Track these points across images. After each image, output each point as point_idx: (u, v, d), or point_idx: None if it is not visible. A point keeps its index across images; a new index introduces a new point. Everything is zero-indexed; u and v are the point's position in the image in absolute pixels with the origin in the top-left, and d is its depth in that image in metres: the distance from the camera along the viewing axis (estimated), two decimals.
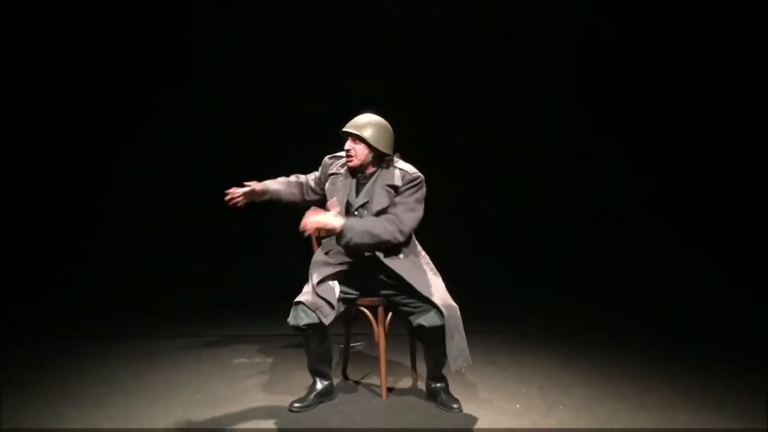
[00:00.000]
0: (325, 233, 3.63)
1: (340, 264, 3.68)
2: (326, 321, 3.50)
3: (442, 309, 3.49)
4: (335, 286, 3.61)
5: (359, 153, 3.66)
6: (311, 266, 3.73)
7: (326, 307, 3.50)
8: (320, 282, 3.58)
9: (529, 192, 6.88)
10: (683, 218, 6.58)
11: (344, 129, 3.69)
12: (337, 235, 3.54)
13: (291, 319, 3.51)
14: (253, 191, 3.79)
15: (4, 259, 6.33)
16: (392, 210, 3.61)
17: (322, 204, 3.75)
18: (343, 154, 3.75)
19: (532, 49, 6.75)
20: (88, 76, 6.65)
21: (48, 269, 6.50)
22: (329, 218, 3.53)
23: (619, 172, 6.83)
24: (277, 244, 6.13)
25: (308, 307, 3.48)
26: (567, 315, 5.78)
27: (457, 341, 3.50)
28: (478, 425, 3.44)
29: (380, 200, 3.63)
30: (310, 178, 3.94)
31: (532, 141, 6.80)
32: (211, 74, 6.82)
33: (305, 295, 3.55)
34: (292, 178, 3.98)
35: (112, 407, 3.68)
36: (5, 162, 6.51)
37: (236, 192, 3.77)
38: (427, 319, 3.50)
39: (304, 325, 3.48)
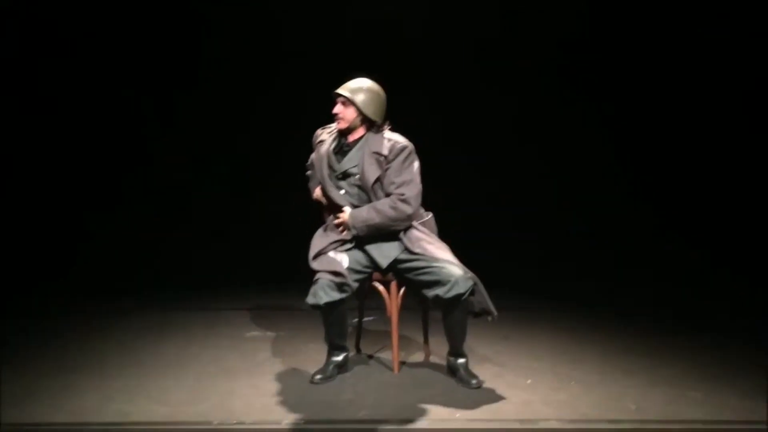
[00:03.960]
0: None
1: (339, 238, 3.66)
2: (348, 291, 3.49)
3: (465, 277, 3.48)
4: (340, 258, 3.56)
5: (347, 116, 3.64)
6: (312, 242, 3.70)
7: (338, 278, 3.48)
8: (316, 256, 3.58)
9: (539, 163, 6.86)
10: (687, 193, 6.57)
11: (337, 90, 3.66)
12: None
13: (310, 298, 3.47)
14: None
15: (19, 234, 6.36)
16: (392, 189, 3.58)
17: None
18: (333, 125, 3.75)
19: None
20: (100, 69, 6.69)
21: (64, 243, 6.52)
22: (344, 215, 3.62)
23: (621, 151, 6.81)
24: (291, 219, 6.13)
25: (326, 285, 3.46)
26: (579, 290, 5.75)
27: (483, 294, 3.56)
28: (490, 399, 3.44)
29: (370, 169, 3.59)
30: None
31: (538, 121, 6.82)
32: (228, 62, 6.83)
33: (320, 273, 3.51)
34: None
35: (124, 378, 3.72)
36: (29, 140, 6.54)
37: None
38: (446, 290, 3.45)
39: (323, 304, 3.46)
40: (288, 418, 3.22)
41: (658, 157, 6.73)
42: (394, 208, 3.55)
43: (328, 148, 3.72)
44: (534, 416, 3.25)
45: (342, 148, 3.71)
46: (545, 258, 6.52)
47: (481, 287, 3.56)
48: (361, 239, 3.63)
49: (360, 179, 3.63)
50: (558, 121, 6.83)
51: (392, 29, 6.47)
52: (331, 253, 3.59)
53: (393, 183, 3.59)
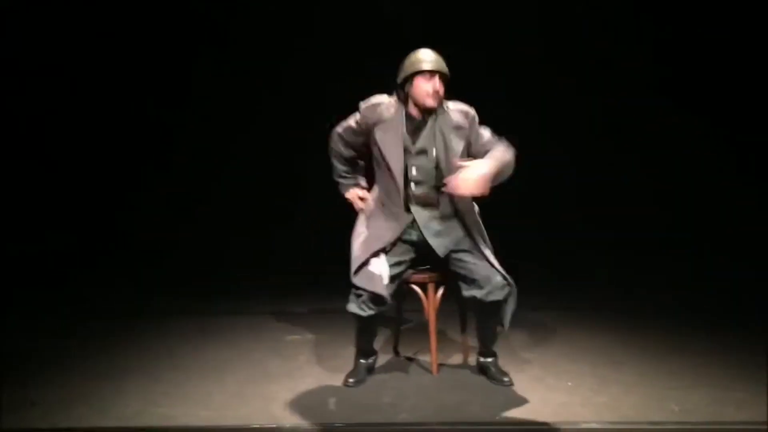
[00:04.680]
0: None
1: (387, 234, 3.62)
2: (387, 303, 3.52)
3: (504, 284, 3.50)
4: (380, 270, 3.54)
5: (441, 94, 3.57)
6: (354, 240, 3.69)
7: (378, 296, 3.48)
8: (357, 270, 3.54)
9: (572, 163, 6.76)
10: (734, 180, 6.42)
11: (431, 68, 3.52)
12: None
13: (352, 307, 3.52)
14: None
15: (61, 237, 6.48)
16: (482, 149, 3.55)
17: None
18: (378, 100, 3.63)
19: None
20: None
21: (106, 248, 6.62)
22: (480, 169, 3.35)
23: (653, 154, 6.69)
24: (326, 220, 6.13)
25: (369, 300, 3.47)
26: (619, 291, 5.70)
27: (511, 306, 3.56)
28: (529, 401, 3.44)
29: (455, 142, 3.55)
30: (347, 131, 3.77)
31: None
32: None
33: (362, 282, 3.50)
34: (341, 150, 3.84)
35: (167, 383, 3.77)
36: (52, 132, 6.63)
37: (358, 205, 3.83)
38: (484, 294, 3.48)
39: (366, 317, 3.51)
40: (329, 421, 3.25)
41: (712, 166, 6.57)
42: (504, 151, 3.51)
43: (403, 130, 3.60)
44: (574, 418, 3.23)
45: (415, 127, 3.61)
46: (585, 259, 6.46)
47: (513, 297, 3.56)
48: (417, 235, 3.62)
49: (440, 154, 3.57)
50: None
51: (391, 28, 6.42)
52: (373, 265, 3.54)
53: (483, 144, 3.58)
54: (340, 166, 3.90)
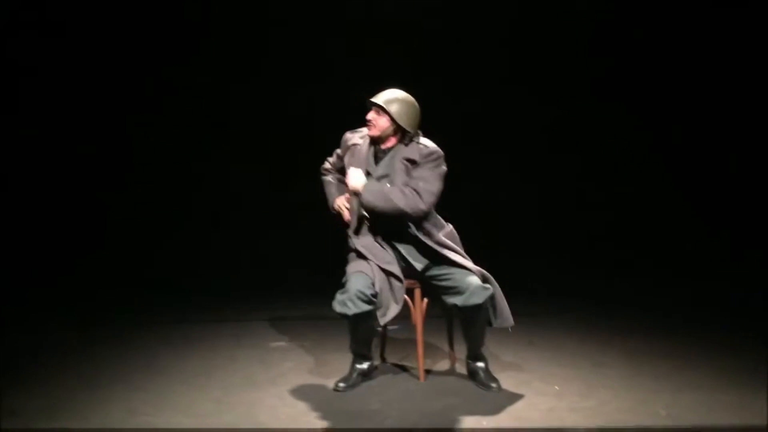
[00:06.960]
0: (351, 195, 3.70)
1: (371, 252, 3.65)
2: (377, 301, 3.51)
3: (483, 283, 3.51)
4: (372, 268, 3.58)
5: (380, 124, 3.64)
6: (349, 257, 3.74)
7: (368, 289, 3.48)
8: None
9: (562, 173, 6.78)
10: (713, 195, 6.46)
11: (371, 99, 3.67)
12: (358, 194, 3.60)
13: (338, 307, 3.47)
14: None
15: (41, 244, 6.40)
16: (411, 183, 3.58)
17: None
18: (363, 129, 3.77)
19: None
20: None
21: (87, 256, 6.53)
22: (353, 178, 3.63)
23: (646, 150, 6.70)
24: (311, 226, 6.10)
25: (355, 296, 3.43)
26: (605, 295, 5.70)
27: (500, 303, 3.59)
28: (516, 407, 3.41)
29: (400, 174, 3.61)
30: (334, 159, 3.99)
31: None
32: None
33: (350, 279, 3.51)
34: (331, 172, 4.01)
35: (149, 390, 3.72)
36: (36, 144, 6.53)
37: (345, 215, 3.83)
38: (464, 299, 3.47)
39: (352, 315, 3.46)
40: (314, 428, 3.21)
41: (691, 155, 6.59)
42: (404, 193, 3.55)
43: (368, 154, 3.73)
44: (561, 423, 3.21)
45: (377, 154, 3.74)
46: (570, 262, 6.46)
47: (499, 297, 3.59)
48: (394, 246, 3.66)
49: (390, 182, 3.64)
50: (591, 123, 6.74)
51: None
52: (362, 266, 3.59)
53: (413, 179, 3.61)
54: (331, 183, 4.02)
